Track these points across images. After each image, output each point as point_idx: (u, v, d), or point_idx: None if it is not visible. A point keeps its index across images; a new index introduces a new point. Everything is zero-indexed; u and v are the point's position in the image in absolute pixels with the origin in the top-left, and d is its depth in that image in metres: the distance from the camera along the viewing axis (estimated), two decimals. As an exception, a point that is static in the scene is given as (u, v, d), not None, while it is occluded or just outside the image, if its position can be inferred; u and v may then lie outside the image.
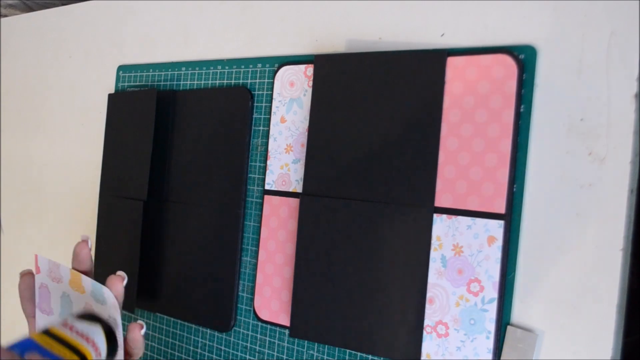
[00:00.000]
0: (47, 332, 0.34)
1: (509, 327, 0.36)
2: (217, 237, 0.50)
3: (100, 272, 0.59)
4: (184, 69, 0.55)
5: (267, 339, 0.47)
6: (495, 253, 0.36)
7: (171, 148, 0.53)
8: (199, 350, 0.52)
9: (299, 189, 0.45)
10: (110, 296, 0.37)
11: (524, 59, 0.36)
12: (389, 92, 0.40)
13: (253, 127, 0.49)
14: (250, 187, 0.49)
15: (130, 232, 0.54)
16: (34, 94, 0.74)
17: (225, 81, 0.51)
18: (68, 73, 0.69)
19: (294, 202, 0.45)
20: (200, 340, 0.52)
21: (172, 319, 0.54)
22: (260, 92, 0.49)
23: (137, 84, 0.59)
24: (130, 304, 0.53)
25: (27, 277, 0.41)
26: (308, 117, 0.44)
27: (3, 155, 0.78)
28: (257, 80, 0.49)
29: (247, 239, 0.49)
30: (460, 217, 0.37)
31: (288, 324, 0.45)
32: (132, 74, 0.60)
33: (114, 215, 0.56)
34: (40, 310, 0.41)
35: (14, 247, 0.75)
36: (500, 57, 0.36)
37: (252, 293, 0.48)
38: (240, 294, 0.49)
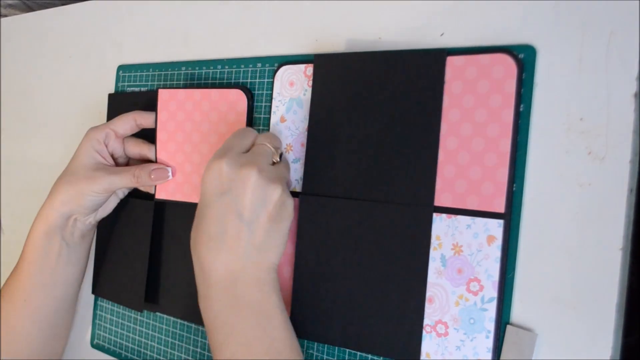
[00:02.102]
0: None
1: (508, 327, 0.36)
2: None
3: (102, 273, 0.59)
4: (183, 68, 0.55)
5: (267, 338, 0.47)
6: (494, 252, 0.36)
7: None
8: (198, 350, 0.52)
9: (299, 189, 0.45)
10: None
11: (524, 58, 0.36)
12: (389, 92, 0.40)
13: (253, 127, 0.49)
14: (250, 186, 0.49)
15: (139, 232, 0.54)
16: (34, 94, 0.74)
17: (225, 81, 0.51)
18: (68, 73, 0.69)
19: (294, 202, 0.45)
20: (200, 340, 0.52)
21: (172, 318, 0.53)
22: (260, 92, 0.49)
23: (137, 83, 0.59)
24: (138, 303, 0.53)
25: None
26: (308, 117, 0.44)
27: (3, 155, 0.78)
28: (257, 80, 0.49)
29: (247, 239, 0.49)
30: (459, 217, 0.37)
31: (288, 324, 0.45)
32: (132, 74, 0.60)
33: (122, 215, 0.56)
34: None
35: (14, 247, 0.75)
36: (499, 56, 0.36)
37: (252, 293, 0.48)
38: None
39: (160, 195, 0.52)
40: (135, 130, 0.52)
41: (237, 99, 0.45)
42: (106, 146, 0.51)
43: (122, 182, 0.49)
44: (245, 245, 0.39)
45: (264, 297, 0.39)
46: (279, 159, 0.43)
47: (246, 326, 0.38)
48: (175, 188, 0.51)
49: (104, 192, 0.50)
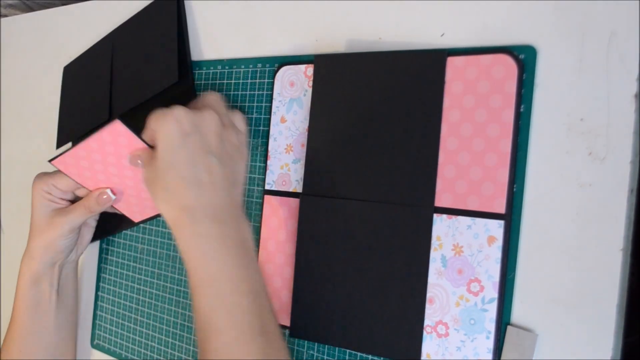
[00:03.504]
0: None
1: (509, 327, 0.36)
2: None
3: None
4: (184, 69, 0.55)
5: (267, 339, 0.47)
6: (495, 253, 0.36)
7: None
8: (199, 350, 0.51)
9: (299, 189, 0.45)
10: None
11: (524, 58, 0.36)
12: (389, 92, 0.40)
13: (253, 127, 0.49)
14: (250, 187, 0.49)
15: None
16: (34, 94, 0.74)
17: (225, 81, 0.51)
18: (68, 73, 0.69)
19: (294, 202, 0.45)
20: (200, 340, 0.52)
21: (172, 318, 0.54)
22: (260, 92, 0.49)
23: (137, 84, 0.59)
24: None
25: None
26: (308, 117, 0.44)
27: (3, 155, 0.78)
28: (257, 80, 0.49)
29: (247, 239, 0.49)
30: (460, 217, 0.37)
31: (288, 324, 0.45)
32: (132, 74, 0.60)
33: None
34: None
35: (14, 247, 0.75)
36: (500, 57, 0.36)
37: (252, 293, 0.48)
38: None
39: (136, 218, 0.53)
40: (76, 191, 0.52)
41: (118, 133, 0.43)
42: (52, 193, 0.51)
43: (79, 217, 0.50)
44: (219, 179, 0.40)
45: (245, 236, 0.41)
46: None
47: (233, 264, 0.39)
48: (141, 208, 0.51)
49: (70, 233, 0.51)
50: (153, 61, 0.53)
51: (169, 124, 0.40)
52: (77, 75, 0.63)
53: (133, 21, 0.57)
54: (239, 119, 0.46)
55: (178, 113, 0.40)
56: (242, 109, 0.50)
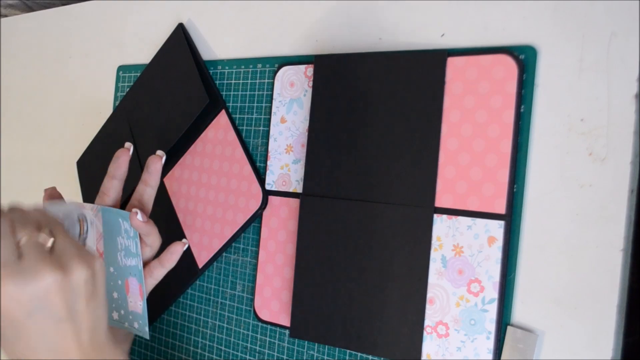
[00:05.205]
0: None
1: (509, 328, 0.36)
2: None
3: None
4: (184, 69, 0.55)
5: (267, 339, 0.47)
6: (495, 253, 0.36)
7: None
8: (199, 351, 0.52)
9: (299, 189, 0.45)
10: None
11: (524, 59, 0.36)
12: (389, 92, 0.40)
13: (253, 128, 0.49)
14: (251, 187, 0.49)
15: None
16: (34, 94, 0.74)
17: (225, 81, 0.51)
18: (68, 73, 0.69)
19: (294, 203, 0.45)
20: (200, 340, 0.52)
21: (172, 319, 0.54)
22: (260, 93, 0.49)
23: (137, 84, 0.59)
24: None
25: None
26: (308, 118, 0.44)
27: (3, 155, 0.78)
28: (257, 81, 0.49)
29: (247, 239, 0.49)
30: (460, 218, 0.37)
31: (288, 324, 0.45)
32: (132, 74, 0.60)
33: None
34: None
35: (14, 247, 0.75)
36: (500, 57, 0.36)
37: (252, 293, 0.48)
38: (240, 294, 0.49)
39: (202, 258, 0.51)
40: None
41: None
42: None
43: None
44: (78, 346, 0.35)
45: None
46: (51, 237, 0.36)
47: None
48: (209, 247, 0.50)
49: None
50: (179, 95, 0.52)
51: (6, 304, 0.33)
52: (93, 161, 0.61)
53: (148, 72, 0.56)
54: (65, 237, 0.37)
55: (10, 290, 0.33)
56: (242, 109, 0.50)
